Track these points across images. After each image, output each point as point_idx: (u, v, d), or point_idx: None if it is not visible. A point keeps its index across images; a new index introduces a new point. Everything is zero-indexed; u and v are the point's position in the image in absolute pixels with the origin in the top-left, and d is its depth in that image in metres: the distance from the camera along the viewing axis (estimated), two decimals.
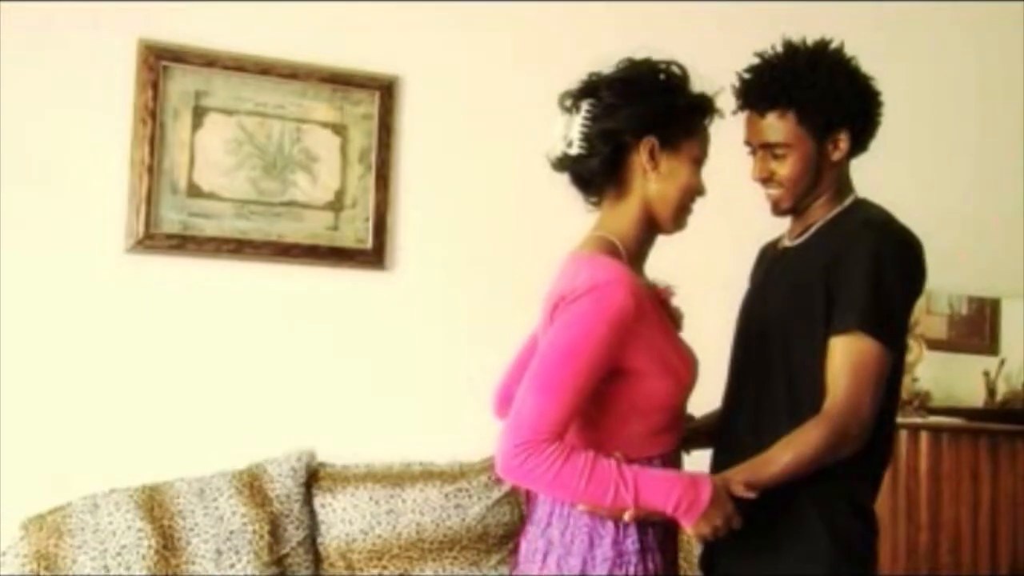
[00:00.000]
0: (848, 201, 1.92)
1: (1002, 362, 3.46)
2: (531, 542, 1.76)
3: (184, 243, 2.85)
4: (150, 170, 2.81)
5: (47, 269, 2.75)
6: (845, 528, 1.80)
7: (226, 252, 2.89)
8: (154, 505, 2.58)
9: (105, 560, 2.48)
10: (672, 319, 1.82)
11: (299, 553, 2.66)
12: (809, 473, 1.73)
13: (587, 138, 1.76)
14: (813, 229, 1.91)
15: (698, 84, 1.82)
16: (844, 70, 1.87)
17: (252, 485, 2.68)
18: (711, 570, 1.97)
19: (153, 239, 2.82)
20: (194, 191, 2.88)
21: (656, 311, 1.73)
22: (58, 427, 2.72)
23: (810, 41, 1.89)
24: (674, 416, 1.78)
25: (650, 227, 1.81)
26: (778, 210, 1.94)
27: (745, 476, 1.70)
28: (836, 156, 1.88)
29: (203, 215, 2.88)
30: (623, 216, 1.80)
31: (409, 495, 2.79)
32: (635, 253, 1.80)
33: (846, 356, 1.75)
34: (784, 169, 1.87)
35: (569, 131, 1.78)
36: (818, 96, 1.83)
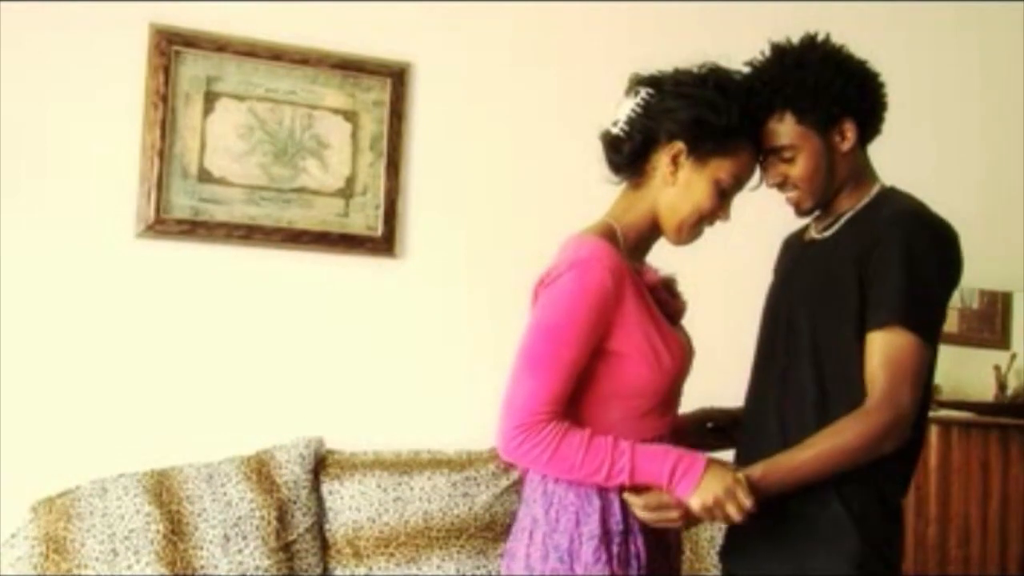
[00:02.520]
0: (875, 191, 1.89)
1: (1013, 356, 3.44)
2: (520, 520, 1.79)
3: (194, 228, 2.85)
4: (161, 155, 2.81)
5: (58, 253, 2.75)
6: (874, 527, 1.78)
7: (236, 238, 2.89)
8: (162, 490, 2.59)
9: (113, 544, 2.49)
10: (667, 307, 1.81)
11: (306, 540, 2.67)
12: (843, 470, 1.71)
13: (630, 123, 1.79)
14: (842, 221, 1.88)
15: None
16: (833, 60, 1.85)
17: (260, 471, 2.68)
18: (730, 567, 1.95)
19: (164, 224, 2.82)
20: (205, 176, 2.88)
21: (640, 294, 1.73)
22: (68, 411, 2.73)
23: (795, 40, 1.87)
24: (658, 402, 1.77)
25: (656, 227, 1.83)
26: (801, 211, 1.92)
27: (766, 465, 1.69)
28: (846, 146, 1.85)
29: (213, 200, 2.88)
30: (633, 208, 1.82)
31: (417, 483, 2.79)
32: (635, 244, 1.81)
33: (884, 351, 1.73)
34: (795, 170, 1.85)
35: (619, 112, 1.81)
36: (810, 91, 1.81)
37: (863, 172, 1.90)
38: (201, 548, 2.54)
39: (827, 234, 1.91)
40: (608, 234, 1.77)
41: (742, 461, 1.87)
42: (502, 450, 1.69)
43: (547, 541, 1.71)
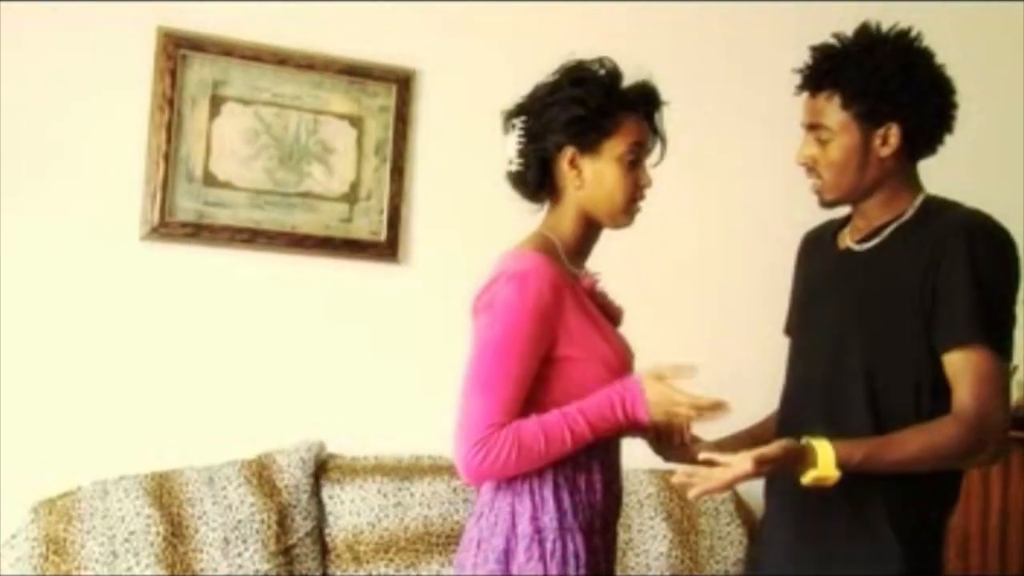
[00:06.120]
0: (918, 201, 1.81)
1: (1015, 368, 3.42)
2: (468, 531, 1.81)
3: (199, 232, 2.86)
4: (166, 158, 2.82)
5: (62, 255, 2.76)
6: (920, 550, 1.75)
7: (240, 242, 2.90)
8: (163, 492, 2.60)
9: (113, 546, 2.49)
10: (607, 310, 1.86)
11: (306, 544, 2.67)
12: (926, 467, 1.68)
13: (522, 154, 1.85)
14: (886, 232, 1.81)
15: (638, 76, 1.84)
16: (904, 60, 1.77)
17: (261, 475, 2.69)
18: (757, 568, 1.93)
19: (168, 227, 2.83)
20: (210, 180, 2.88)
21: (580, 300, 1.77)
22: (70, 413, 2.73)
23: (886, 27, 1.80)
24: None
25: (589, 225, 1.86)
26: (822, 200, 1.86)
27: (865, 453, 1.63)
28: (884, 152, 1.77)
29: (218, 204, 2.89)
30: (561, 217, 1.86)
31: (417, 488, 2.79)
32: (575, 249, 1.85)
33: (968, 371, 1.68)
34: (825, 155, 1.79)
35: (508, 151, 1.87)
36: (862, 81, 1.75)
37: (903, 183, 1.83)
38: (201, 551, 2.54)
39: (868, 246, 1.83)
40: (544, 245, 1.81)
41: (776, 487, 1.87)
42: (468, 474, 1.71)
43: (485, 546, 1.74)
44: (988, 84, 3.55)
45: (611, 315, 1.88)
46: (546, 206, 1.90)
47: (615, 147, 1.80)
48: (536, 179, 1.84)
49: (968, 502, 3.05)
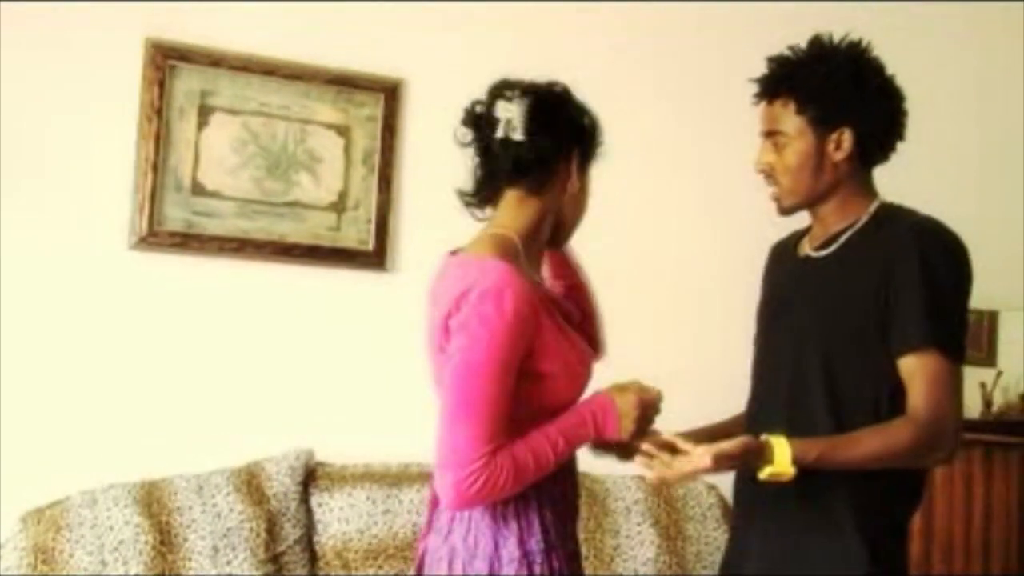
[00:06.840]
0: (873, 207, 1.86)
1: (999, 374, 3.46)
2: (434, 550, 1.77)
3: (187, 241, 2.87)
4: (155, 168, 2.83)
5: (51, 265, 2.76)
6: (886, 552, 1.78)
7: (228, 251, 2.91)
8: (152, 501, 2.60)
9: (102, 555, 2.49)
10: (565, 313, 1.81)
11: (295, 551, 2.67)
12: (881, 466, 1.72)
13: (529, 131, 1.74)
14: (842, 240, 1.85)
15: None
16: (854, 67, 1.82)
17: (250, 483, 2.69)
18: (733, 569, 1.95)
19: (156, 237, 2.83)
20: (198, 190, 2.89)
21: (549, 311, 1.73)
22: (59, 422, 2.74)
23: (838, 37, 1.86)
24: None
25: (550, 229, 1.84)
26: (780, 208, 1.90)
27: (820, 451, 1.68)
28: (838, 156, 1.82)
29: (206, 214, 2.90)
30: (528, 214, 1.79)
31: (406, 496, 2.80)
32: (534, 249, 1.81)
33: (921, 374, 1.72)
34: (781, 160, 1.84)
35: (510, 115, 1.76)
36: (815, 86, 1.80)
37: (857, 189, 1.87)
38: (190, 559, 2.55)
39: (825, 252, 1.87)
40: (507, 250, 1.73)
41: (744, 492, 1.91)
42: (459, 502, 1.65)
43: (467, 568, 1.70)
44: (945, 91, 3.60)
45: (568, 315, 1.83)
46: (512, 196, 1.80)
47: (589, 172, 1.84)
48: (540, 160, 1.74)
49: (952, 504, 3.07)
